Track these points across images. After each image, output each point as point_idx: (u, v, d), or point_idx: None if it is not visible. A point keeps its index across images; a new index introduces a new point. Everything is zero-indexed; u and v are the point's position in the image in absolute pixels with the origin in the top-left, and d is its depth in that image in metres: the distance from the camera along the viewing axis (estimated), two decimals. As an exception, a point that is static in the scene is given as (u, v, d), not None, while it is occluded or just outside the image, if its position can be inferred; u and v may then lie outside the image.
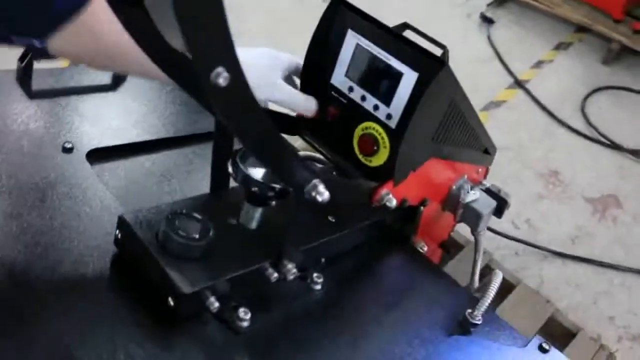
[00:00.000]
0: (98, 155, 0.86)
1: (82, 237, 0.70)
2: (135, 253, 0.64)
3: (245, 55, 0.41)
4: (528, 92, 2.59)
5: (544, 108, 2.51)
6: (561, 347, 1.28)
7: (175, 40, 0.41)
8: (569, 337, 1.46)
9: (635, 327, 1.73)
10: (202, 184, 0.89)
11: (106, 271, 0.66)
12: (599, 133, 2.43)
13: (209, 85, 0.39)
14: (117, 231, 0.67)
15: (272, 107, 0.83)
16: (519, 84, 2.63)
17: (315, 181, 0.57)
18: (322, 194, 0.57)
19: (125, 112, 0.98)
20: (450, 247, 1.35)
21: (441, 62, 0.70)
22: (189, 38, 0.36)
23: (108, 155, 0.88)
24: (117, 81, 1.06)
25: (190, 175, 0.91)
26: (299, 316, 0.71)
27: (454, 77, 0.73)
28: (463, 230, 1.20)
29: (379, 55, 0.75)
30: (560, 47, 2.95)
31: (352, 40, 0.77)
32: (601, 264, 1.88)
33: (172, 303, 0.60)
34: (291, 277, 0.69)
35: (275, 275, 0.68)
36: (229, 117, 0.44)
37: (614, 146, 2.39)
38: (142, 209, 0.67)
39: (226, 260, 0.65)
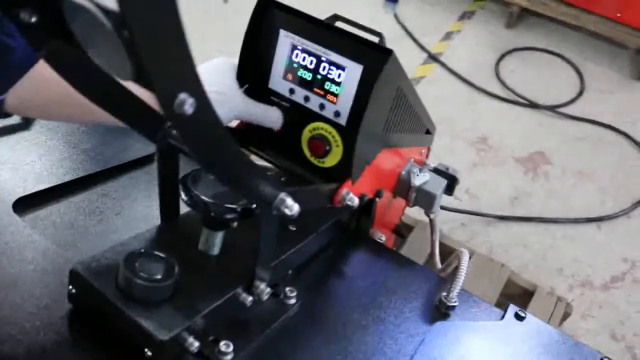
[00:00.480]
0: (26, 204, 0.78)
1: (28, 299, 0.62)
2: (96, 307, 0.58)
3: (202, 74, 0.36)
4: (443, 64, 2.64)
5: (461, 78, 2.57)
6: (523, 306, 1.32)
7: (117, 70, 0.36)
8: (528, 296, 1.51)
9: (582, 274, 1.80)
10: (147, 214, 0.83)
11: (65, 333, 0.60)
12: (516, 94, 2.52)
13: (174, 116, 0.35)
14: (70, 286, 0.60)
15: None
16: (433, 58, 2.68)
17: (282, 195, 0.53)
18: (292, 207, 0.54)
19: (46, 152, 0.90)
20: (403, 231, 1.35)
21: (387, 51, 0.68)
22: (146, 65, 0.31)
23: (37, 202, 0.80)
24: (28, 118, 0.97)
25: (132, 206, 0.85)
26: (281, 336, 0.68)
27: (399, 63, 0.71)
28: (409, 211, 1.20)
29: (316, 52, 0.72)
30: (464, 16, 3.03)
31: (285, 40, 0.74)
32: (542, 220, 1.95)
33: (149, 354, 0.55)
34: (265, 297, 0.65)
35: (250, 298, 0.64)
36: (196, 145, 0.40)
37: (532, 105, 2.48)
38: (94, 256, 0.60)
39: (197, 294, 0.60)
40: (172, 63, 0.33)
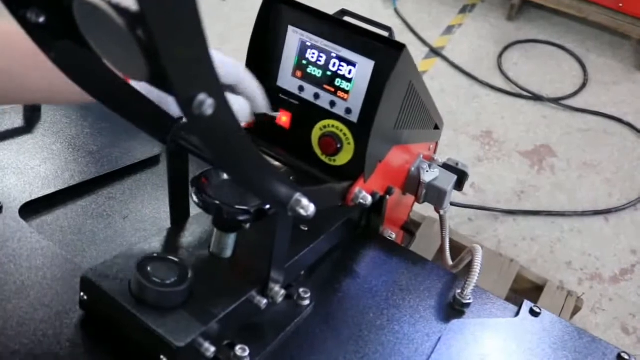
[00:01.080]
0: (32, 210, 0.77)
1: (39, 308, 0.61)
2: (108, 313, 0.57)
3: None
4: (445, 58, 2.63)
5: (464, 72, 2.55)
6: (533, 301, 1.31)
7: (128, 70, 0.34)
8: (538, 290, 1.49)
9: (591, 267, 1.79)
10: (156, 217, 0.82)
11: (77, 341, 0.59)
12: (520, 87, 2.50)
13: (193, 117, 0.33)
14: (82, 293, 0.59)
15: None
16: (435, 52, 2.66)
17: (298, 195, 0.52)
18: (308, 208, 0.52)
19: (51, 155, 0.89)
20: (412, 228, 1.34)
21: (399, 46, 0.66)
22: (165, 65, 0.30)
23: (44, 207, 0.79)
24: (31, 121, 0.96)
25: (140, 209, 0.83)
26: (296, 339, 0.67)
27: (411, 58, 0.70)
28: (416, 207, 1.19)
29: (326, 48, 0.71)
30: (465, 9, 3.02)
31: (294, 36, 0.72)
32: (549, 214, 1.93)
33: None
34: (280, 299, 0.64)
35: (265, 301, 0.63)
36: (214, 146, 0.38)
37: (535, 97, 2.47)
38: (105, 262, 0.59)
39: (211, 298, 0.59)
40: (191, 63, 0.32)
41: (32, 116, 0.97)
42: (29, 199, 0.77)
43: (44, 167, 0.85)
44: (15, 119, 0.96)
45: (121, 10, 0.31)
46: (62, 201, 0.81)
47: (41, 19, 0.39)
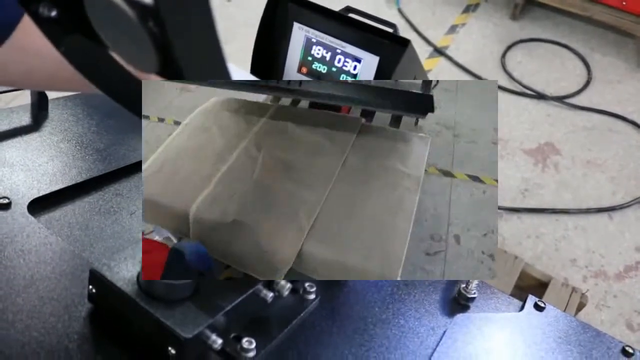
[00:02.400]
0: (41, 205, 0.78)
1: (48, 302, 0.62)
2: (116, 306, 0.57)
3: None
4: (449, 58, 2.63)
5: (467, 71, 2.56)
6: (538, 297, 1.31)
7: (138, 62, 0.35)
8: (543, 287, 1.49)
9: (596, 264, 1.79)
10: (162, 213, 0.83)
11: (86, 333, 0.59)
12: (523, 86, 2.50)
13: None
14: (90, 286, 0.60)
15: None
16: (438, 51, 2.67)
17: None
18: None
19: (58, 152, 0.89)
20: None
21: (404, 42, 0.67)
22: (178, 56, 0.30)
23: (52, 203, 0.80)
24: (39, 119, 0.97)
25: (146, 206, 0.84)
26: (302, 333, 0.67)
27: (416, 53, 0.70)
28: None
29: (331, 44, 0.71)
30: (469, 9, 3.02)
31: (299, 33, 0.73)
32: (554, 211, 1.93)
33: (173, 352, 0.54)
34: (286, 292, 0.64)
35: (271, 294, 0.63)
36: None
37: (539, 96, 2.47)
38: (113, 256, 0.60)
39: (218, 291, 0.59)
40: (203, 54, 0.32)
41: (39, 114, 0.98)
42: (37, 195, 0.78)
43: (52, 164, 0.86)
44: (23, 117, 0.96)
45: (132, 3, 0.31)
46: (70, 197, 0.82)
47: (53, 13, 0.40)
